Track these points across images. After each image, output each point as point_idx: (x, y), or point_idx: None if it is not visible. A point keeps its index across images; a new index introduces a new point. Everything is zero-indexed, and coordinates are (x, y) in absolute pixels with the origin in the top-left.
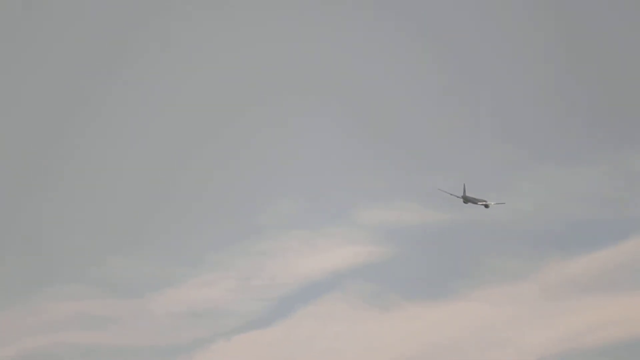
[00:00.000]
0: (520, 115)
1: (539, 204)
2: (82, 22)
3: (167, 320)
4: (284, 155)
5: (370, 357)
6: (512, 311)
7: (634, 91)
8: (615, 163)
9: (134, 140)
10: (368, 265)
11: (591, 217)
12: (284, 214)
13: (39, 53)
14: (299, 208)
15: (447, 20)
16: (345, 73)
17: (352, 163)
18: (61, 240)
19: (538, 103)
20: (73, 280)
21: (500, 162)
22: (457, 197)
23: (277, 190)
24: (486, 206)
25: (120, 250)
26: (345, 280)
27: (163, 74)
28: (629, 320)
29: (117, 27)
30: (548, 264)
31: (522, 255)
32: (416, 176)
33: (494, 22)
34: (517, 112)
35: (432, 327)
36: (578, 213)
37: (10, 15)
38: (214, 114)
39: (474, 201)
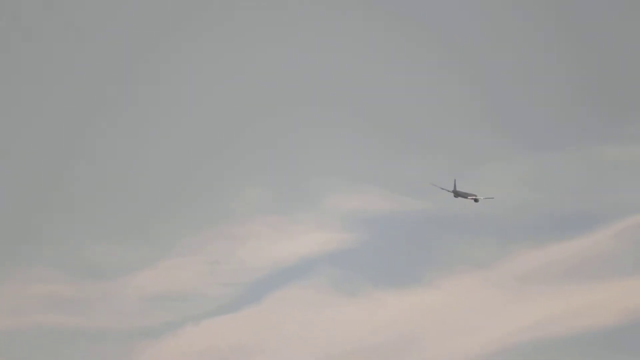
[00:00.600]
0: (491, 104)
1: (508, 193)
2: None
3: (136, 303)
4: (255, 140)
5: (338, 343)
6: (482, 299)
7: (606, 80)
8: (586, 153)
9: (109, 127)
10: (338, 252)
11: (561, 207)
12: (255, 200)
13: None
14: (269, 193)
15: (430, 7)
16: (320, 58)
17: (323, 149)
18: (32, 224)
19: (510, 92)
20: (43, 263)
21: (470, 151)
22: (448, 191)
23: (248, 176)
24: (476, 200)
25: (91, 234)
26: (315, 266)
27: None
28: (599, 309)
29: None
30: (518, 253)
31: (491, 243)
32: (388, 163)
33: (474, 12)
34: (489, 100)
35: (401, 314)
36: (548, 202)
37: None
38: (187, 102)
39: (464, 195)
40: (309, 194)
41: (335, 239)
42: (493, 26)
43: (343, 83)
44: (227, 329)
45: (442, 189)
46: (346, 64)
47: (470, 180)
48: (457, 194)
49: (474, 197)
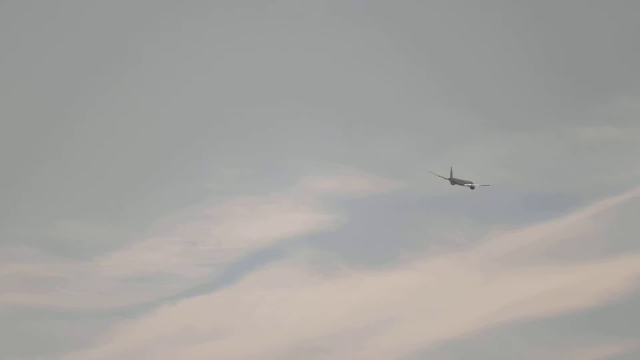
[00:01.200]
0: (467, 85)
1: (484, 175)
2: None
3: (112, 283)
4: (232, 121)
5: (314, 323)
6: (458, 280)
7: (581, 61)
8: (562, 134)
9: (86, 106)
10: (314, 233)
11: (537, 188)
12: (231, 180)
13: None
14: (246, 174)
15: None
16: (294, 44)
17: (300, 130)
18: (8, 202)
19: (485, 73)
20: (18, 242)
21: (443, 131)
22: (445, 178)
23: (224, 156)
24: (472, 187)
25: (66, 214)
26: (291, 247)
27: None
28: (574, 291)
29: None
30: (494, 235)
31: (465, 225)
32: (365, 144)
33: None
34: (464, 81)
35: (377, 294)
36: (524, 184)
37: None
38: (167, 84)
39: (461, 183)
40: (285, 174)
41: (312, 219)
42: (467, 7)
43: (318, 67)
44: (203, 309)
45: (439, 176)
46: (320, 49)
47: (446, 160)
48: (453, 181)
49: (470, 185)
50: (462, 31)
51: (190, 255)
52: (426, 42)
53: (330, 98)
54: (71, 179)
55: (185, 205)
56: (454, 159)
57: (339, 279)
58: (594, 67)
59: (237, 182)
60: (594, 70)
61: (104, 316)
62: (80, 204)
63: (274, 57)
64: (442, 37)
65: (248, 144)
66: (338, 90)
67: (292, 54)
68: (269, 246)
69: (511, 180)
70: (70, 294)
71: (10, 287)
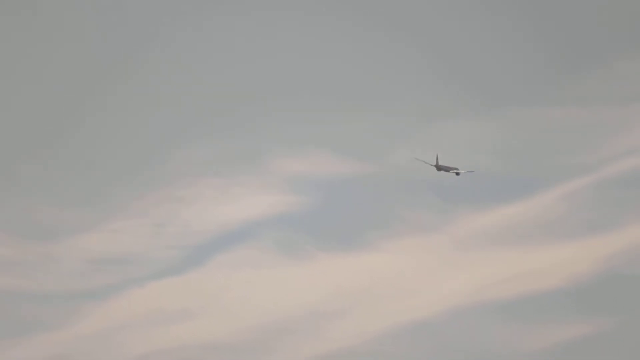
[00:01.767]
0: (433, 64)
1: (450, 157)
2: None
3: (80, 266)
4: (199, 101)
5: (283, 305)
6: (424, 262)
7: (548, 42)
8: (529, 114)
9: (57, 89)
10: (283, 215)
11: (501, 171)
12: (200, 162)
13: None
14: (214, 155)
15: None
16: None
17: (268, 111)
18: None
19: (453, 52)
20: None
21: (410, 114)
22: (431, 165)
23: (192, 138)
24: (457, 174)
25: (34, 196)
26: (259, 229)
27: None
28: (538, 273)
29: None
30: (459, 217)
31: (433, 207)
32: (333, 125)
33: None
34: (431, 60)
35: (344, 276)
36: (488, 166)
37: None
38: (138, 69)
39: (446, 169)
40: (254, 157)
41: (280, 201)
42: None
43: (286, 45)
44: (171, 292)
45: (425, 162)
46: (288, 24)
47: (414, 141)
48: (439, 167)
49: (455, 171)
50: (433, 14)
51: (159, 237)
52: (398, 26)
53: (300, 78)
54: (38, 162)
55: (154, 188)
56: (420, 142)
57: (307, 261)
58: (560, 47)
59: (205, 164)
60: (560, 51)
61: (72, 298)
62: (48, 187)
63: (240, 39)
64: (413, 24)
65: (217, 126)
66: (307, 70)
67: (257, 33)
68: (238, 228)
69: (477, 162)
70: (38, 277)
71: None
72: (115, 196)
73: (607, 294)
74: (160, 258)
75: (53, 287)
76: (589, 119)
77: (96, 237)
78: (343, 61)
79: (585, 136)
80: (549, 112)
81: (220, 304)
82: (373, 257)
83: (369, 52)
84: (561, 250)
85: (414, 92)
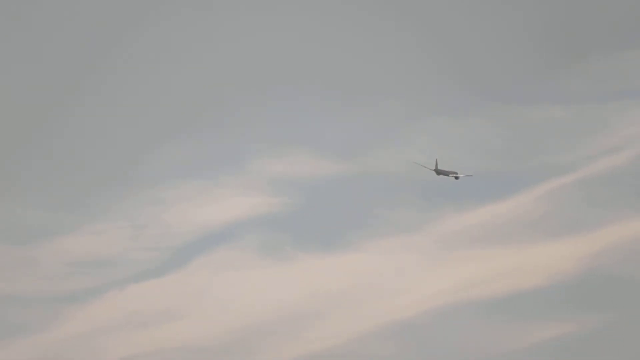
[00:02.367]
0: (415, 64)
1: (430, 157)
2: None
3: (61, 268)
4: (180, 103)
5: (264, 307)
6: (406, 262)
7: (528, 41)
8: (509, 114)
9: (29, 87)
10: (264, 216)
11: (484, 170)
12: (180, 163)
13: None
14: (195, 157)
15: None
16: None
17: (250, 112)
18: None
19: (433, 51)
20: None
21: (390, 114)
22: (430, 169)
23: (172, 138)
24: (456, 177)
25: (14, 199)
26: (240, 230)
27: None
28: (521, 272)
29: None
30: (441, 216)
31: (415, 207)
32: (312, 126)
33: None
34: (405, 65)
35: (326, 277)
36: (471, 166)
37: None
38: (119, 66)
39: (446, 173)
40: (234, 157)
41: (262, 203)
42: None
43: (267, 42)
44: (152, 294)
45: (425, 167)
46: (276, 27)
47: (394, 142)
48: (438, 172)
49: (454, 175)
50: (406, 18)
51: (139, 239)
52: (374, 31)
53: (281, 78)
54: (17, 164)
55: (134, 190)
56: (401, 142)
57: (288, 262)
58: (538, 46)
59: (185, 166)
60: (538, 49)
61: (53, 301)
62: (28, 190)
63: (221, 41)
64: (396, 26)
65: (197, 128)
66: (288, 70)
67: (238, 35)
68: (219, 230)
69: (458, 162)
70: (17, 280)
71: None
72: (95, 198)
73: (590, 292)
74: (141, 260)
75: (34, 290)
76: (567, 119)
77: (76, 240)
78: (324, 62)
79: (566, 135)
80: (528, 111)
81: (201, 306)
82: (355, 258)
83: (349, 53)
84: (544, 249)
85: (394, 92)
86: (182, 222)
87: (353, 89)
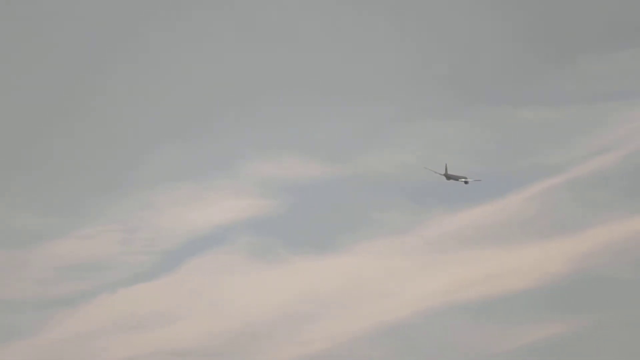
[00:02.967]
0: (398, 71)
1: (420, 159)
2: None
3: (51, 272)
4: (170, 105)
5: (255, 309)
6: (396, 264)
7: (517, 43)
8: (498, 115)
9: (17, 90)
10: (254, 219)
11: (474, 172)
12: (170, 166)
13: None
14: (185, 160)
15: None
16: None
17: (240, 115)
18: None
19: (422, 52)
20: None
21: (380, 117)
22: (440, 174)
23: (163, 143)
24: (465, 182)
25: (4, 203)
26: (231, 233)
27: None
28: (510, 274)
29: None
30: (431, 218)
31: (405, 209)
32: (302, 129)
33: None
34: (395, 68)
35: (317, 279)
36: (459, 167)
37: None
38: (108, 69)
39: (455, 178)
40: (225, 161)
41: (252, 205)
42: None
43: (256, 45)
44: (144, 297)
45: (435, 172)
46: (265, 30)
47: (384, 144)
48: (448, 176)
49: (464, 180)
50: (390, 22)
51: (130, 243)
52: (356, 35)
53: (270, 81)
54: (8, 169)
55: (124, 193)
56: (391, 145)
57: (279, 265)
58: (528, 49)
59: (175, 168)
60: (528, 52)
61: (44, 305)
62: (19, 194)
63: (210, 46)
64: (371, 27)
65: (187, 132)
66: (277, 73)
67: (227, 39)
68: (209, 233)
69: (448, 163)
70: (10, 284)
71: None
72: (86, 203)
73: (579, 293)
74: (131, 264)
75: (25, 294)
76: (557, 119)
77: (67, 244)
78: (315, 65)
79: (555, 136)
80: (518, 112)
81: (192, 309)
82: (346, 260)
83: (339, 56)
84: (534, 250)
85: (384, 94)
86: (172, 225)
87: (343, 91)
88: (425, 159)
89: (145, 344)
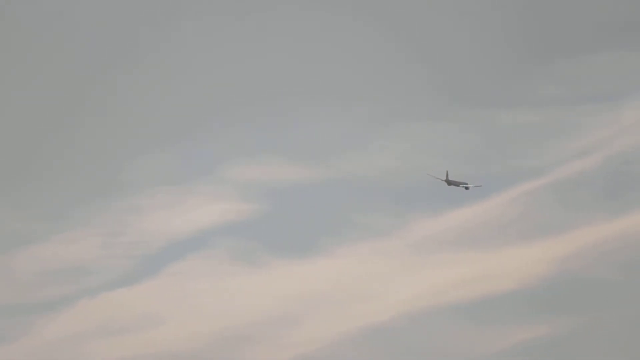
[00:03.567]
0: (379, 73)
1: (402, 161)
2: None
3: (30, 277)
4: (150, 110)
5: (237, 313)
6: (378, 267)
7: (498, 46)
8: (479, 118)
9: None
10: (236, 223)
11: (456, 174)
12: (151, 170)
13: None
14: (166, 164)
15: None
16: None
17: (220, 119)
18: None
19: (403, 55)
20: None
21: (361, 119)
22: (442, 180)
23: (143, 145)
24: (466, 188)
25: None
26: (213, 237)
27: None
28: (493, 276)
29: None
30: (412, 221)
31: (386, 211)
32: (284, 131)
33: None
34: (376, 69)
35: (299, 283)
36: (441, 170)
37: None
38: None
39: (456, 184)
40: (207, 165)
41: (233, 209)
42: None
43: (242, 55)
44: (125, 302)
45: (437, 178)
46: (249, 35)
47: (366, 147)
48: (449, 182)
49: (465, 185)
50: (374, 22)
51: (112, 247)
52: (338, 36)
53: (251, 85)
54: None
55: (106, 197)
56: (373, 147)
57: (261, 269)
58: (509, 51)
59: (156, 172)
60: (508, 54)
61: (24, 311)
62: None
63: (194, 51)
64: (353, 27)
65: (168, 136)
66: (258, 76)
67: (212, 44)
68: (191, 237)
69: (429, 166)
70: None
71: None
72: (67, 206)
73: (562, 295)
74: (113, 268)
75: (7, 299)
76: (538, 123)
77: (46, 249)
78: (296, 67)
79: (537, 138)
80: (499, 115)
81: (175, 313)
82: (328, 263)
83: (321, 57)
84: (516, 252)
85: (366, 96)
86: (154, 229)
87: (324, 93)
88: (406, 162)
89: (127, 348)
